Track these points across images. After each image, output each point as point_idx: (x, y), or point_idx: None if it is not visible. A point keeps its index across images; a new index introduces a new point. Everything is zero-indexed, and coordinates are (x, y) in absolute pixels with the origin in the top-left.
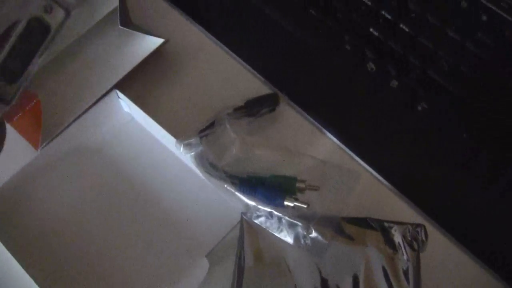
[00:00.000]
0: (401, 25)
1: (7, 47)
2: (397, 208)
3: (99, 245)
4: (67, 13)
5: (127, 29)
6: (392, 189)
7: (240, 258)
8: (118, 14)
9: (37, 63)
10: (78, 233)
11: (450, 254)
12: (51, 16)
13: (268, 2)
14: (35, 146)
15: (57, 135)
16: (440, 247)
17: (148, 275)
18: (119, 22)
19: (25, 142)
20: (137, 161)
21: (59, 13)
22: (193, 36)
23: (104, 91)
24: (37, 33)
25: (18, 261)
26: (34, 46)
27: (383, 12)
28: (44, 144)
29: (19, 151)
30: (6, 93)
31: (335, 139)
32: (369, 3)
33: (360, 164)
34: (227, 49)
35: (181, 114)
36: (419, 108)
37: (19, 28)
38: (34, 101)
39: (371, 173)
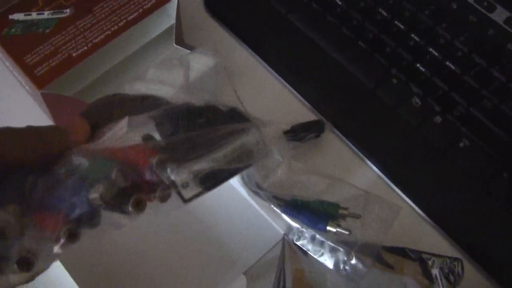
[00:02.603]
0: (447, 63)
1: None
2: (434, 242)
3: (141, 259)
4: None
5: (182, 47)
6: (431, 223)
7: (279, 279)
8: (174, 32)
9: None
10: (123, 244)
11: None
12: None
13: (318, 32)
14: None
15: None
16: (476, 284)
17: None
18: (173, 41)
19: None
20: None
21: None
22: (242, 57)
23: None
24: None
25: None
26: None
27: (430, 49)
28: None
29: None
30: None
31: (376, 170)
32: (418, 39)
33: (399, 196)
34: (274, 73)
35: None
36: (461, 145)
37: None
38: None
39: (410, 206)
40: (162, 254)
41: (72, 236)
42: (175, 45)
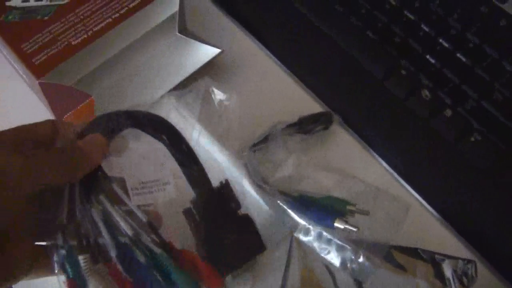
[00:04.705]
0: (458, 55)
1: None
2: (446, 241)
3: None
4: None
5: (185, 36)
6: (441, 221)
7: (286, 277)
8: (177, 20)
9: None
10: None
11: None
12: None
13: (325, 21)
14: None
15: None
16: (489, 285)
17: None
18: (177, 29)
19: None
20: None
21: None
22: (248, 48)
23: (155, 99)
24: None
25: None
26: None
27: (441, 40)
28: None
29: None
30: None
31: (385, 164)
32: (428, 30)
33: (409, 192)
34: (281, 64)
35: None
36: (472, 139)
37: None
38: (87, 100)
39: (420, 202)
40: None
41: None
42: (177, 33)
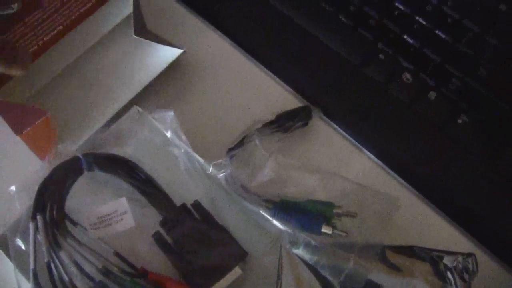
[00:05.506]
0: (437, 32)
1: None
2: (442, 232)
3: None
4: None
5: (142, 38)
6: (436, 210)
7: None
8: (132, 22)
9: None
10: None
11: (502, 283)
12: None
13: (296, 9)
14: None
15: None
16: (491, 275)
17: None
18: (133, 31)
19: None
20: (159, 180)
21: None
22: (215, 45)
23: (118, 108)
24: None
25: None
26: None
27: (417, 18)
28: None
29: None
30: None
31: (372, 156)
32: (403, 8)
33: (401, 184)
34: (252, 58)
35: (205, 131)
36: (460, 121)
37: None
38: (44, 116)
39: (412, 192)
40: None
41: None
42: (134, 36)
